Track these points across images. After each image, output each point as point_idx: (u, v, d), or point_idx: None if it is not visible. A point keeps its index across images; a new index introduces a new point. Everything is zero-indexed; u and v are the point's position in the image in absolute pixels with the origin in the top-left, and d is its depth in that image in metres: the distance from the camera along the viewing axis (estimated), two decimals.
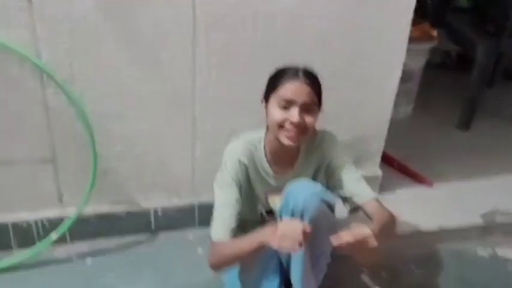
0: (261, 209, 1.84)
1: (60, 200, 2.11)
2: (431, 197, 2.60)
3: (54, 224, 2.08)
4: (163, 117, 2.05)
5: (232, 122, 2.13)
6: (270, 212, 1.84)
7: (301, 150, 1.77)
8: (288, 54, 2.02)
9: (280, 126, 1.60)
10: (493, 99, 3.61)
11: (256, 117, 2.12)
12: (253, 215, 1.83)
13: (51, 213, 2.10)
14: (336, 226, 1.66)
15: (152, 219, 2.23)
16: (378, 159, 2.47)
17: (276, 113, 1.60)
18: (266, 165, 1.74)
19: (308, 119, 1.59)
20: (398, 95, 2.33)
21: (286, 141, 1.61)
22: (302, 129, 1.59)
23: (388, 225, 1.65)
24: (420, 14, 3.51)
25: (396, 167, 2.76)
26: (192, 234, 2.27)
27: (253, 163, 1.73)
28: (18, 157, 1.98)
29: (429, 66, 3.31)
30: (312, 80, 1.60)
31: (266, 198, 1.81)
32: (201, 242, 2.21)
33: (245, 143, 1.73)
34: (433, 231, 2.37)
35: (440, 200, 2.57)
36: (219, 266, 1.69)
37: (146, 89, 1.98)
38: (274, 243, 1.46)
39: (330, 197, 1.64)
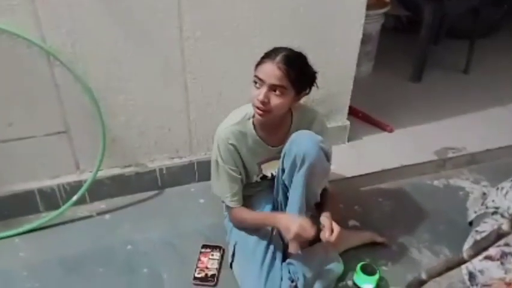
0: (255, 177, 1.81)
1: (77, 166, 2.07)
2: (392, 141, 2.60)
3: (74, 187, 2.04)
4: (159, 86, 2.00)
5: (219, 87, 2.09)
6: (263, 177, 1.82)
7: (293, 125, 1.71)
8: (263, 25, 1.99)
9: (252, 101, 1.56)
10: (439, 54, 3.58)
11: (239, 81, 2.10)
12: (248, 180, 1.82)
13: (71, 178, 2.06)
14: (329, 172, 1.69)
15: (159, 178, 2.20)
16: (345, 111, 2.45)
17: (251, 90, 1.56)
18: (258, 139, 1.69)
19: (274, 100, 1.52)
20: (359, 56, 2.29)
21: (256, 115, 1.58)
22: (268, 107, 1.53)
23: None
24: None
25: (362, 117, 2.74)
26: (193, 187, 2.26)
27: (244, 141, 1.68)
28: (36, 131, 1.92)
29: (384, 30, 3.26)
30: (287, 65, 1.49)
31: (260, 168, 1.78)
32: (202, 193, 2.19)
33: (232, 125, 1.67)
34: (396, 169, 2.37)
35: (400, 143, 2.57)
36: (238, 226, 1.78)
37: (141, 62, 1.92)
38: (288, 237, 1.58)
39: (327, 146, 1.60)
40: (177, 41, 1.92)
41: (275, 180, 1.76)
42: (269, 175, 1.81)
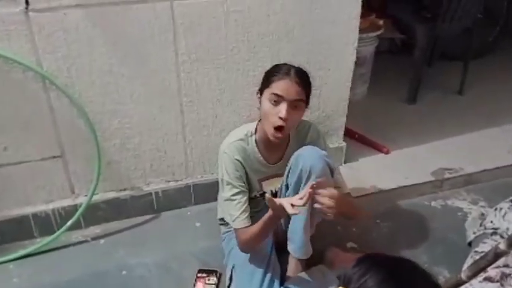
0: (255, 193, 1.80)
1: (73, 190, 2.06)
2: (389, 162, 2.60)
3: (69, 212, 2.03)
4: (155, 109, 2.01)
5: (215, 109, 2.09)
6: (262, 194, 1.81)
7: (291, 141, 1.72)
8: (257, 49, 2.02)
9: (270, 119, 1.55)
10: (434, 75, 3.62)
11: (235, 104, 2.11)
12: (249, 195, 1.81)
13: (66, 203, 2.05)
14: (332, 187, 1.65)
15: (154, 201, 2.19)
16: (341, 132, 2.45)
17: (267, 108, 1.55)
18: (259, 157, 1.69)
19: (294, 115, 1.55)
20: (354, 78, 2.31)
21: (271, 138, 1.58)
22: (288, 124, 1.54)
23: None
24: (368, 6, 3.51)
25: (358, 138, 2.74)
26: (189, 210, 2.24)
27: (247, 157, 1.68)
28: (31, 156, 1.91)
29: (378, 52, 3.30)
30: (302, 79, 1.54)
31: (261, 185, 1.77)
32: (198, 217, 2.18)
33: (236, 141, 1.67)
34: (393, 190, 2.37)
35: (396, 164, 2.57)
36: (248, 247, 1.69)
37: (137, 85, 1.93)
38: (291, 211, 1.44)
39: (332, 161, 1.61)
40: (173, 65, 1.93)
41: (279, 195, 1.75)
42: (268, 192, 1.80)
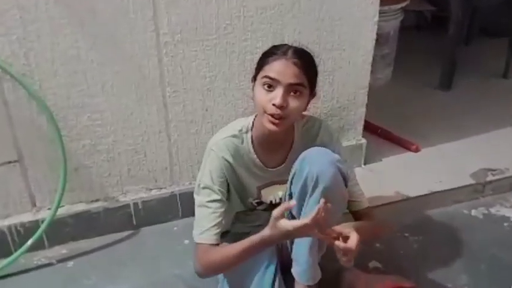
0: (252, 201, 1.80)
1: (33, 203, 2.07)
2: (419, 162, 2.61)
3: (29, 229, 2.03)
4: (132, 102, 2.01)
5: (205, 101, 2.10)
6: (259, 203, 1.82)
7: (296, 142, 1.72)
8: (256, 26, 2.03)
9: (264, 108, 1.54)
10: (472, 56, 3.63)
11: (229, 94, 2.12)
12: (243, 206, 1.81)
13: (25, 218, 2.05)
14: (346, 200, 1.67)
15: (133, 214, 2.19)
16: (360, 127, 2.46)
17: (260, 94, 1.54)
18: (255, 158, 1.70)
19: (293, 103, 1.53)
20: (375, 60, 2.33)
21: (268, 126, 1.55)
22: (285, 113, 1.53)
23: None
24: None
25: (381, 134, 2.76)
26: (176, 225, 2.25)
27: (240, 158, 1.68)
28: None
29: (404, 28, 3.32)
30: (302, 60, 1.53)
31: (259, 193, 1.77)
32: (187, 233, 2.15)
33: (227, 137, 1.67)
34: (424, 196, 2.38)
35: (428, 164, 2.58)
36: (209, 272, 1.67)
37: (110, 73, 1.94)
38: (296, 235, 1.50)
39: (346, 166, 1.59)
40: (153, 48, 1.94)
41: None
42: (268, 202, 1.81)
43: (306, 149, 1.66)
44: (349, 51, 2.23)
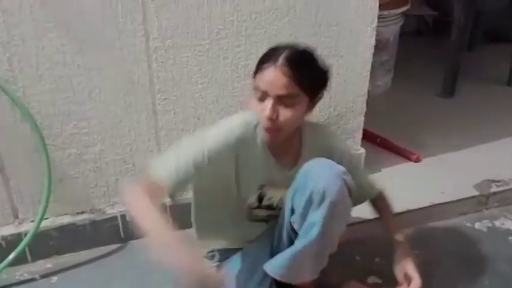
0: (252, 203, 1.76)
1: (16, 215, 2.07)
2: (420, 172, 2.62)
3: (11, 242, 2.03)
4: (120, 109, 2.02)
5: (197, 109, 2.12)
6: (259, 207, 1.78)
7: (304, 141, 1.71)
8: (250, 31, 2.04)
9: (258, 118, 1.55)
10: (476, 62, 3.66)
11: (222, 102, 2.13)
12: (237, 209, 1.77)
13: (7, 230, 2.05)
14: (350, 214, 1.66)
15: (121, 227, 2.20)
16: (359, 136, 2.48)
17: (254, 104, 1.55)
18: (266, 152, 1.66)
19: (284, 114, 1.51)
20: (374, 67, 2.34)
21: (264, 137, 1.57)
22: (277, 125, 1.52)
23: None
24: None
25: (380, 143, 2.77)
26: None
27: (249, 150, 1.64)
28: None
29: (405, 34, 3.34)
30: (294, 67, 1.49)
31: (262, 192, 1.74)
32: None
33: (246, 124, 1.62)
34: (425, 209, 2.39)
35: (429, 175, 2.60)
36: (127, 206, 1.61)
37: (97, 79, 1.95)
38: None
39: (350, 179, 1.58)
40: (143, 53, 1.95)
41: (279, 220, 1.72)
42: (269, 201, 1.77)
43: (314, 154, 1.66)
44: (347, 57, 2.24)
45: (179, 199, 1.68)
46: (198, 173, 1.57)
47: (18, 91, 1.86)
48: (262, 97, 1.51)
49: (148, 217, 1.44)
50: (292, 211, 1.61)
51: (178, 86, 2.05)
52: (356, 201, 1.82)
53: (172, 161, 1.55)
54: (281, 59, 1.49)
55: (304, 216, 1.56)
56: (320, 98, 1.62)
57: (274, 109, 1.49)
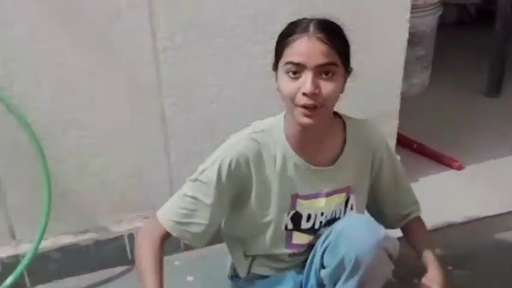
0: (286, 217, 1.68)
1: (12, 234, 2.10)
2: (463, 182, 2.62)
3: (8, 265, 2.06)
4: (126, 116, 2.05)
5: (210, 114, 2.14)
6: (294, 217, 1.69)
7: (349, 145, 1.67)
8: (268, 26, 2.05)
9: (293, 100, 1.48)
10: None
11: (238, 105, 2.15)
12: (263, 228, 1.70)
13: (3, 252, 2.09)
14: (390, 275, 1.64)
15: (128, 247, 2.22)
16: (393, 142, 2.48)
17: (285, 84, 1.48)
18: (293, 155, 1.61)
19: (326, 87, 1.46)
20: (409, 63, 2.35)
21: (302, 120, 1.48)
22: (320, 101, 1.46)
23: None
24: None
25: (417, 149, 2.78)
26: (177, 259, 2.27)
27: (268, 160, 1.61)
28: None
29: (444, 25, 3.34)
30: (329, 33, 1.46)
31: (293, 204, 1.66)
32: (190, 268, 2.21)
33: (252, 134, 1.61)
34: (470, 222, 2.39)
35: (473, 184, 2.59)
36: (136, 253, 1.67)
37: (100, 83, 1.98)
38: None
39: (393, 243, 1.56)
40: (150, 53, 1.98)
41: (307, 264, 1.70)
42: (305, 216, 1.70)
43: (361, 159, 1.67)
44: (377, 53, 2.26)
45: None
46: (217, 215, 1.62)
47: (14, 98, 1.89)
48: (297, 73, 1.47)
49: (145, 278, 1.58)
50: (322, 265, 1.62)
51: (189, 89, 2.08)
52: (394, 225, 1.86)
53: (186, 217, 1.61)
54: (312, 27, 1.46)
55: (334, 278, 1.57)
56: (350, 72, 1.59)
57: (315, 83, 1.44)
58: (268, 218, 1.65)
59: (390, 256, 1.56)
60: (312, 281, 1.68)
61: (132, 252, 2.22)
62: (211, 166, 1.58)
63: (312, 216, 1.67)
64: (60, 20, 1.86)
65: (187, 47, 2.01)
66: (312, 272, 1.67)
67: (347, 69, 1.55)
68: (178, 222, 1.60)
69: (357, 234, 1.52)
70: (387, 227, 1.79)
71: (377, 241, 1.50)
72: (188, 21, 1.98)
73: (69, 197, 2.10)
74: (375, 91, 2.33)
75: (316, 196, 1.65)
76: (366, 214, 1.78)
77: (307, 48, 1.45)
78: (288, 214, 1.66)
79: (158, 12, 1.94)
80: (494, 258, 2.28)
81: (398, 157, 2.46)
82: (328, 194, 1.65)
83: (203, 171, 1.59)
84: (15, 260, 2.07)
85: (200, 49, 2.03)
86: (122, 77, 2.00)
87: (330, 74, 1.47)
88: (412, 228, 1.85)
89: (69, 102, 1.97)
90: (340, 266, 1.53)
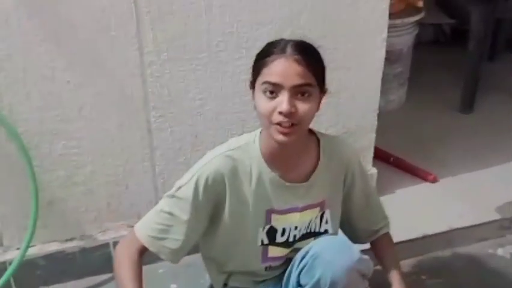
0: (261, 231, 1.67)
1: (0, 241, 2.09)
2: (437, 194, 2.64)
3: None
4: (113, 127, 2.06)
5: (195, 126, 2.15)
6: (269, 231, 1.68)
7: (322, 162, 1.68)
8: (251, 43, 2.07)
9: (270, 119, 1.48)
10: (497, 73, 3.67)
11: (222, 118, 2.16)
12: (242, 245, 1.71)
13: None
14: None
15: (113, 255, 2.20)
16: (370, 155, 2.50)
17: (263, 103, 1.48)
18: (267, 171, 1.60)
19: (302, 106, 1.47)
20: (386, 80, 2.37)
21: (278, 137, 1.49)
22: (295, 120, 1.47)
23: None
24: None
25: (393, 162, 2.80)
26: (161, 267, 2.24)
27: (243, 177, 1.61)
28: None
29: (420, 44, 3.38)
30: (305, 54, 1.48)
31: (268, 219, 1.66)
32: (174, 276, 2.21)
33: (228, 151, 1.61)
34: (443, 234, 2.41)
35: (447, 197, 2.61)
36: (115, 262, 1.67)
37: (88, 95, 1.99)
38: None
39: (367, 264, 1.59)
40: (137, 67, 1.99)
41: (284, 280, 1.71)
42: (280, 230, 1.70)
43: (332, 178, 1.69)
44: (355, 70, 2.28)
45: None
46: (193, 231, 1.62)
47: (4, 109, 1.90)
48: (274, 93, 1.47)
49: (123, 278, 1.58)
50: (299, 283, 1.63)
51: (175, 102, 2.09)
52: (364, 240, 1.88)
53: (162, 232, 1.60)
54: (290, 49, 1.48)
55: None
56: (325, 92, 1.60)
57: (291, 102, 1.45)
58: (243, 234, 1.66)
59: (364, 275, 1.59)
60: None
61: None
62: (188, 183, 1.57)
63: (287, 230, 1.68)
64: (51, 34, 1.87)
65: (172, 62, 2.02)
66: (290, 285, 1.68)
67: (322, 90, 1.56)
68: (155, 237, 1.60)
69: (332, 257, 1.54)
70: (357, 241, 1.83)
71: (351, 263, 1.53)
72: (174, 37, 1.99)
73: (56, 206, 2.10)
74: (354, 106, 2.35)
75: (290, 211, 1.66)
76: (341, 235, 1.80)
77: (284, 69, 1.46)
78: (263, 229, 1.66)
79: (145, 29, 1.95)
80: (466, 268, 2.30)
81: (375, 170, 2.51)
82: (302, 209, 1.66)
83: (180, 187, 1.59)
84: (2, 266, 2.06)
85: (185, 64, 2.04)
86: (110, 89, 2.00)
87: (306, 95, 1.48)
88: (381, 244, 1.87)
89: (57, 114, 1.97)
90: (316, 287, 1.56)
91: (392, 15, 2.27)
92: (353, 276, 1.54)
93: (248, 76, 1.65)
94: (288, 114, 1.45)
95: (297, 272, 1.62)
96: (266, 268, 1.73)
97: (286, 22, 2.10)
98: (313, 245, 1.60)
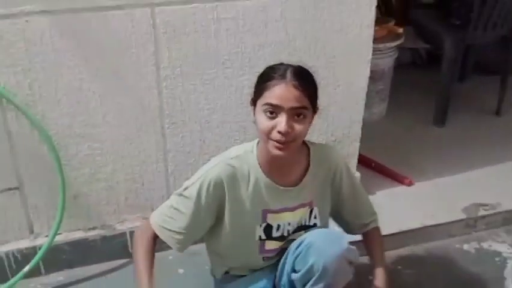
0: (258, 229, 1.69)
1: (31, 229, 2.09)
2: (412, 196, 2.63)
3: (26, 255, 2.06)
4: (131, 132, 2.06)
5: (203, 133, 2.15)
6: (266, 228, 1.70)
7: (312, 166, 1.69)
8: (254, 62, 2.08)
9: (268, 135, 1.51)
10: (466, 92, 3.68)
11: (226, 127, 2.17)
12: (243, 238, 1.71)
13: (23, 244, 2.08)
14: (350, 277, 1.66)
15: (129, 242, 2.21)
16: (354, 161, 2.50)
17: (263, 121, 1.51)
18: (263, 177, 1.63)
19: (298, 126, 1.50)
20: (370, 96, 2.37)
21: (274, 151, 1.51)
22: (291, 138, 1.50)
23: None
24: (386, 12, 3.62)
25: (375, 168, 2.79)
26: (171, 254, 2.22)
27: (242, 182, 1.62)
28: None
29: (400, 65, 3.38)
30: (302, 81, 1.50)
31: (264, 217, 1.67)
32: (182, 262, 2.20)
33: (228, 159, 1.62)
34: (417, 230, 2.40)
35: (421, 198, 2.60)
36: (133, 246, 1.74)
37: (111, 104, 1.99)
38: None
39: (354, 253, 1.60)
40: (154, 81, 2.00)
41: (280, 267, 1.72)
42: (275, 226, 1.71)
43: (322, 181, 1.71)
44: (344, 87, 2.28)
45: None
46: (196, 226, 1.65)
47: (37, 114, 1.91)
48: (274, 113, 1.49)
49: (139, 270, 1.66)
50: (294, 269, 1.65)
51: (186, 111, 2.09)
52: (356, 232, 1.89)
53: (170, 224, 1.65)
54: (289, 75, 1.50)
55: (304, 281, 1.61)
56: (316, 111, 1.61)
57: (289, 123, 1.48)
58: (243, 231, 1.68)
59: (351, 263, 1.60)
60: (284, 280, 1.70)
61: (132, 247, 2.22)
62: (193, 185, 1.61)
63: (281, 226, 1.70)
64: (80, 51, 1.88)
65: (185, 76, 2.03)
66: (285, 273, 1.69)
67: (315, 110, 1.58)
68: (164, 228, 1.65)
69: (324, 246, 1.57)
70: (350, 232, 1.88)
71: (341, 252, 1.56)
72: (187, 55, 2.00)
73: (81, 199, 2.11)
74: (342, 118, 2.35)
75: (284, 210, 1.68)
76: (331, 228, 1.84)
77: (284, 93, 1.48)
78: (260, 226, 1.68)
79: (162, 48, 1.96)
80: (436, 260, 2.31)
81: (358, 174, 2.51)
82: (294, 208, 1.68)
83: (186, 188, 1.63)
84: (33, 251, 2.06)
85: (196, 78, 2.05)
86: (130, 99, 2.01)
87: (301, 116, 1.51)
88: (370, 237, 1.88)
89: (84, 120, 1.98)
90: (309, 272, 1.57)
91: (375, 40, 2.27)
92: (342, 263, 1.56)
93: (250, 90, 1.66)
94: (285, 134, 1.47)
95: (292, 259, 1.64)
96: (264, 258, 1.74)
97: (284, 45, 2.10)
98: (307, 236, 1.63)
